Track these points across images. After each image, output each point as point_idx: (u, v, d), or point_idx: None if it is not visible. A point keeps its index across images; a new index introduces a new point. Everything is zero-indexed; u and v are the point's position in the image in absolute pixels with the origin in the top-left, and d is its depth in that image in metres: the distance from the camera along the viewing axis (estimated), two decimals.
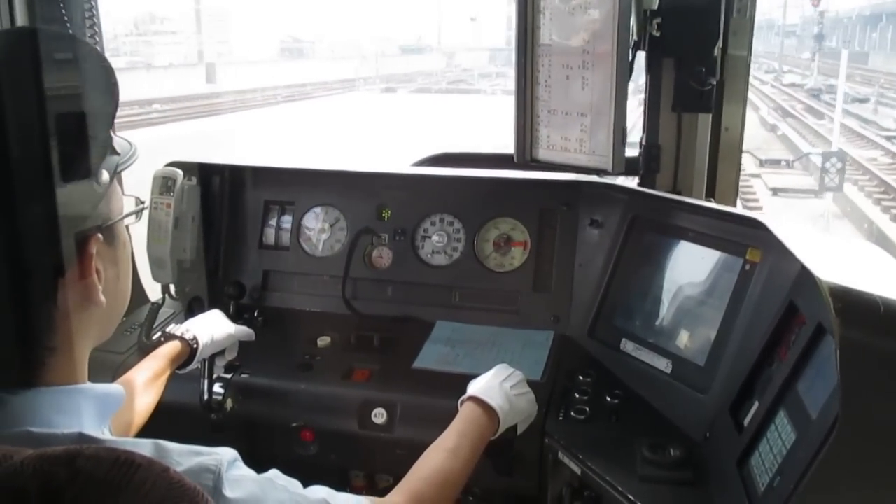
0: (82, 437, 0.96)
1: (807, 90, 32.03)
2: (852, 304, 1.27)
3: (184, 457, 1.01)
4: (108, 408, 1.10)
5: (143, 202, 1.25)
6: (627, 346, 2.19)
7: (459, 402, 1.83)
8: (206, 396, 2.15)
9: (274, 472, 1.15)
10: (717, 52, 2.38)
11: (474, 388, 1.85)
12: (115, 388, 1.12)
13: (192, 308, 2.59)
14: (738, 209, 2.18)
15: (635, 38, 2.23)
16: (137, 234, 1.73)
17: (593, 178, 2.40)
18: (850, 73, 36.61)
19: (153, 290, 2.66)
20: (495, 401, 1.80)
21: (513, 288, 2.49)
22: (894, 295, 1.34)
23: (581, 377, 2.16)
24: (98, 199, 1.07)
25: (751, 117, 20.93)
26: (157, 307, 2.54)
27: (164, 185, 2.51)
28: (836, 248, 1.85)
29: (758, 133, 21.90)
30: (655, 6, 2.24)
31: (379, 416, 2.13)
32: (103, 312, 1.10)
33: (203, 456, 1.02)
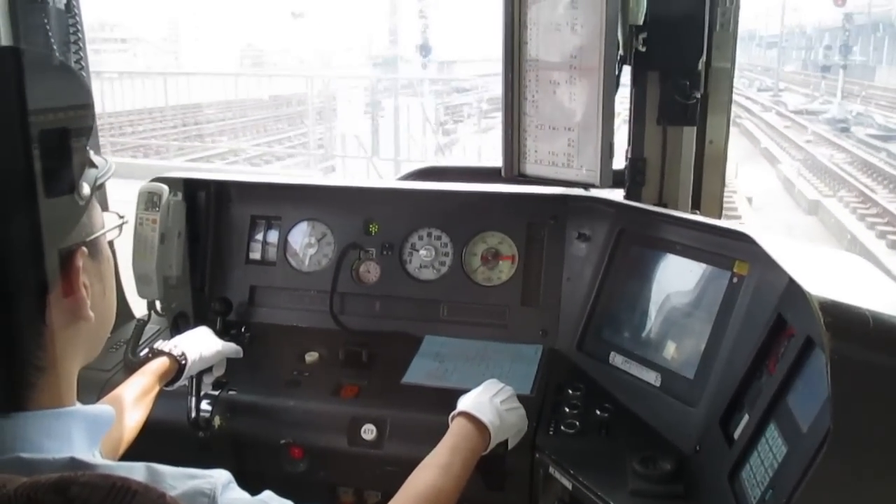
0: (74, 462, 0.95)
1: (826, 120, 25.52)
2: (842, 318, 1.29)
3: (178, 480, 1.00)
4: (99, 430, 1.09)
5: (123, 217, 1.24)
6: (616, 359, 2.20)
7: (450, 418, 1.83)
8: (193, 414, 2.13)
9: (268, 494, 1.14)
10: (700, 65, 2.41)
11: (464, 403, 1.84)
12: (105, 409, 1.11)
13: (177, 324, 2.57)
14: (725, 222, 2.19)
15: (621, 52, 2.25)
16: (122, 250, 1.72)
17: (580, 191, 2.40)
18: (868, 93, 32.29)
19: (139, 307, 2.65)
20: (486, 416, 1.79)
21: (501, 302, 2.49)
22: (881, 307, 1.35)
23: (570, 391, 2.16)
24: (81, 212, 1.06)
25: (767, 174, 17.66)
26: (142, 324, 2.52)
27: (149, 200, 2.49)
28: (823, 261, 1.87)
29: (796, 220, 13.59)
30: (641, 21, 2.25)
31: (368, 432, 2.12)
32: (91, 328, 1.10)
33: (197, 479, 1.01)
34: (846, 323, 1.28)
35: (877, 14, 44.58)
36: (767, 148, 21.48)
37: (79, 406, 1.08)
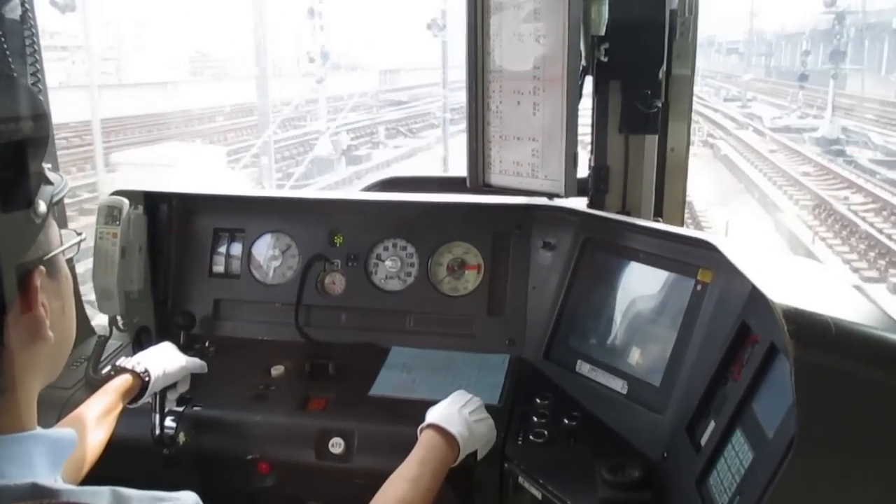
0: (36, 488, 0.93)
1: (816, 140, 21.71)
2: (805, 326, 1.30)
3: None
4: (61, 454, 1.06)
5: (81, 234, 1.22)
6: (583, 367, 2.21)
7: (419, 431, 1.82)
8: (157, 431, 2.10)
9: None
10: (661, 74, 2.44)
11: (433, 415, 1.84)
12: (67, 432, 1.09)
13: (140, 340, 2.53)
14: (688, 230, 2.22)
15: (584, 63, 2.27)
16: (81, 265, 1.70)
17: (544, 201, 2.42)
18: (845, 104, 28.46)
19: (99, 323, 2.60)
20: (455, 428, 1.79)
21: (467, 312, 2.49)
22: (843, 314, 1.38)
23: (538, 400, 2.17)
24: (37, 231, 1.04)
25: (765, 227, 13.44)
26: (104, 340, 2.48)
27: (109, 214, 2.46)
28: (785, 268, 1.89)
29: None
30: (603, 32, 2.28)
31: (336, 445, 2.10)
32: (51, 349, 1.07)
33: (164, 503, 1.00)
34: (809, 330, 1.30)
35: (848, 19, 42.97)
36: (757, 184, 17.19)
37: (40, 430, 1.05)
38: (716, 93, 39.97)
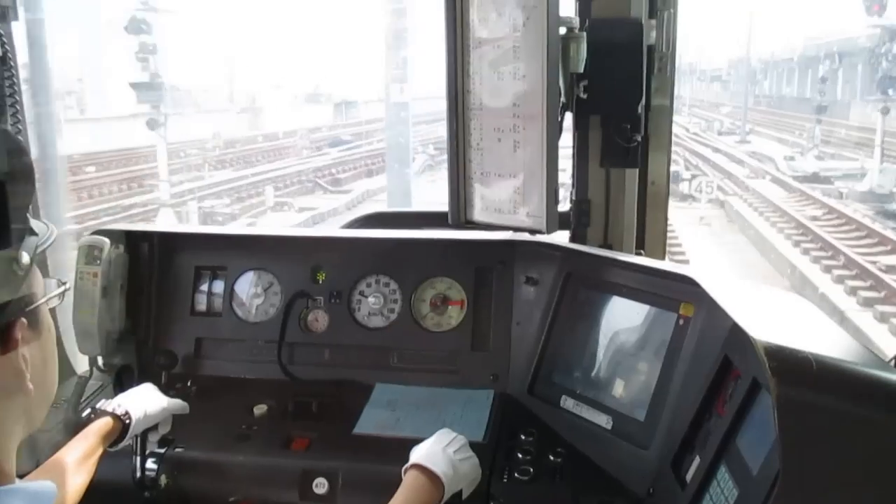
0: None
1: (861, 195, 16.63)
2: (787, 362, 1.31)
3: None
4: None
5: (64, 283, 1.21)
6: (567, 402, 2.20)
7: (403, 471, 1.81)
8: (138, 473, 2.07)
9: None
10: (640, 109, 2.46)
11: (417, 454, 1.83)
12: (46, 486, 1.07)
13: (121, 380, 2.50)
14: (669, 264, 2.23)
15: (563, 99, 2.29)
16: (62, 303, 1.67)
17: (527, 236, 2.42)
18: (854, 138, 25.09)
19: (80, 363, 2.58)
20: (439, 467, 1.78)
21: (451, 347, 2.49)
22: (822, 349, 1.39)
23: (523, 436, 2.16)
24: (20, 283, 1.03)
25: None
26: (84, 380, 2.46)
27: (89, 254, 2.44)
28: (765, 302, 1.90)
29: None
30: (581, 69, 2.30)
31: (320, 486, 2.08)
32: (31, 401, 1.06)
33: None
34: (791, 367, 1.31)
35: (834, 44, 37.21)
36: (806, 275, 11.71)
37: (19, 484, 1.04)
38: (708, 126, 35.06)
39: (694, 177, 18.71)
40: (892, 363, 2.61)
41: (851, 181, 18.60)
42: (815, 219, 14.63)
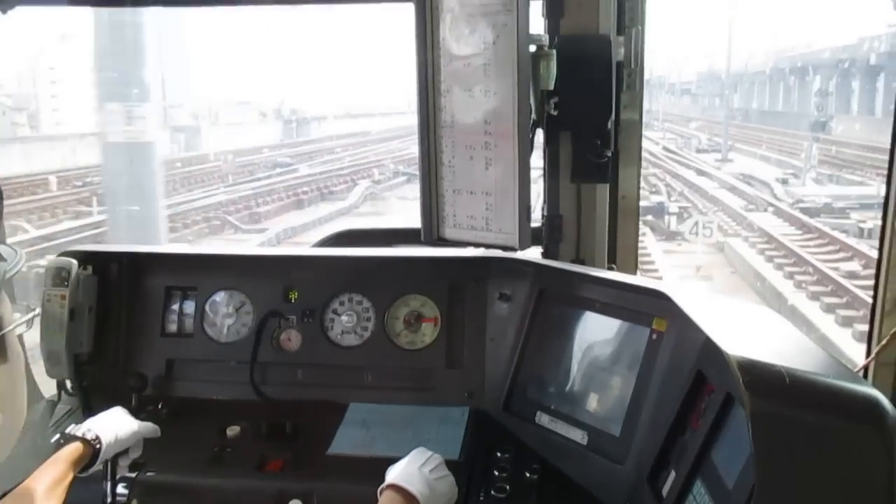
0: None
1: None
2: (760, 377, 1.32)
3: None
4: None
5: (34, 309, 1.19)
6: (542, 418, 2.20)
7: (378, 491, 1.79)
8: (109, 499, 2.04)
9: None
10: (610, 125, 2.48)
11: (393, 474, 1.82)
12: None
13: (90, 404, 2.46)
14: (641, 279, 2.24)
15: (534, 116, 2.30)
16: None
17: (499, 252, 2.43)
18: (844, 155, 22.58)
19: (48, 387, 2.53)
20: (415, 487, 1.77)
21: (425, 365, 2.48)
22: (794, 362, 1.40)
23: (499, 453, 2.16)
24: None
25: None
26: (52, 404, 2.41)
27: (57, 276, 2.40)
28: (737, 316, 1.92)
29: None
30: (552, 86, 2.31)
31: None
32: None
33: None
34: (764, 381, 1.32)
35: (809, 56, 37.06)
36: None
37: None
38: (685, 143, 32.27)
39: (683, 210, 16.16)
40: (861, 373, 2.65)
41: (870, 211, 15.29)
42: (852, 275, 10.88)
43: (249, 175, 22.52)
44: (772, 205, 16.96)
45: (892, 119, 2.66)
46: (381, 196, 20.76)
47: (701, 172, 22.07)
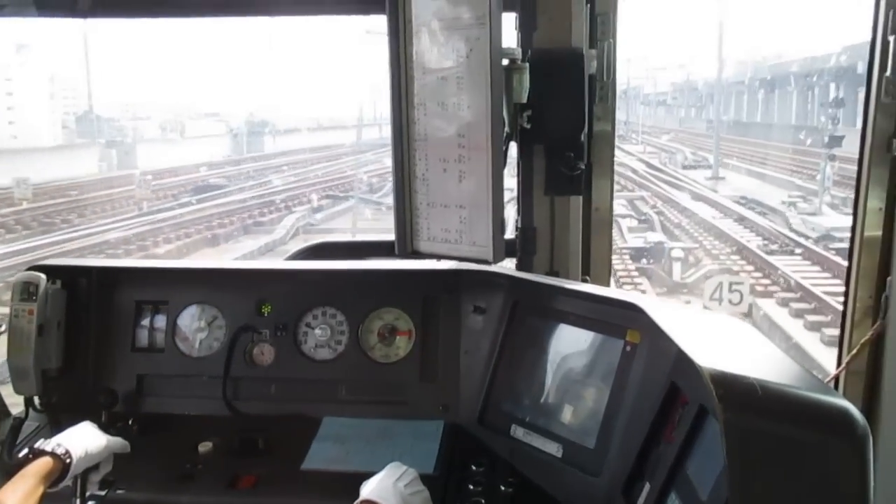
0: None
1: None
2: (733, 390, 1.33)
3: None
4: None
5: (0, 325, 1.17)
6: (517, 431, 2.20)
7: None
8: None
9: None
10: (583, 137, 2.50)
11: (367, 489, 1.81)
12: None
13: (59, 420, 2.42)
14: (615, 291, 2.25)
15: (507, 129, 2.31)
16: None
17: (473, 265, 2.43)
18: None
19: (15, 404, 2.49)
20: (390, 502, 1.76)
21: (400, 379, 2.47)
22: (767, 374, 1.41)
23: (474, 467, 2.15)
24: None
25: None
26: (19, 421, 2.38)
27: (24, 290, 2.38)
28: (710, 328, 1.93)
29: None
30: (525, 99, 2.33)
31: None
32: None
33: None
34: (737, 393, 1.32)
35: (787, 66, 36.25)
36: None
37: None
38: (670, 158, 29.57)
39: (689, 253, 13.05)
40: (833, 383, 2.68)
41: None
42: None
43: (174, 200, 20.06)
44: (797, 243, 14.07)
45: None
46: (319, 228, 17.69)
47: (697, 197, 19.31)
